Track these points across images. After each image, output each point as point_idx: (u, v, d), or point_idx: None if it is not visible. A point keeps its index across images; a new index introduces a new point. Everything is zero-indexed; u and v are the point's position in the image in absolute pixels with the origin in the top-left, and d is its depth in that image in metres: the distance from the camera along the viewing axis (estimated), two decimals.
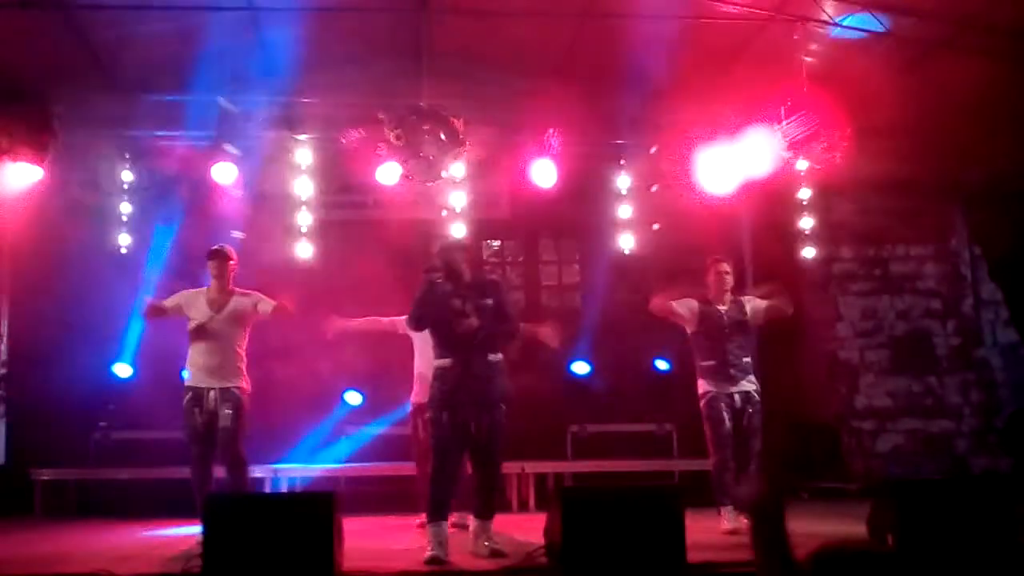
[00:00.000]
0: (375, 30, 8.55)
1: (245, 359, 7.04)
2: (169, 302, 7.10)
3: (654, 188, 9.60)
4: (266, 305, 7.03)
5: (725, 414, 7.15)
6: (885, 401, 9.94)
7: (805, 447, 9.54)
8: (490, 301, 6.16)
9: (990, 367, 10.18)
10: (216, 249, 7.10)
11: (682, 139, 8.80)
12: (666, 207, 9.62)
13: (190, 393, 6.95)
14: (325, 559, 5.22)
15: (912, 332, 10.08)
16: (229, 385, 6.91)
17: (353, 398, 9.80)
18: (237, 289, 7.09)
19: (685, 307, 7.33)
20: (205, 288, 7.10)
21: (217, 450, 6.88)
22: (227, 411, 6.84)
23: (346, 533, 5.57)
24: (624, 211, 9.68)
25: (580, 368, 10.10)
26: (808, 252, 9.75)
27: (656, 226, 9.76)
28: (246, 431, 6.98)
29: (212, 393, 6.88)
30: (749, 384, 7.26)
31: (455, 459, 6.18)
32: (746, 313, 7.38)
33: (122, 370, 9.45)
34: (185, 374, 7.08)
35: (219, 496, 5.77)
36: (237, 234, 8.50)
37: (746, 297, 7.57)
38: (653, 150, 9.31)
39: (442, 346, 6.23)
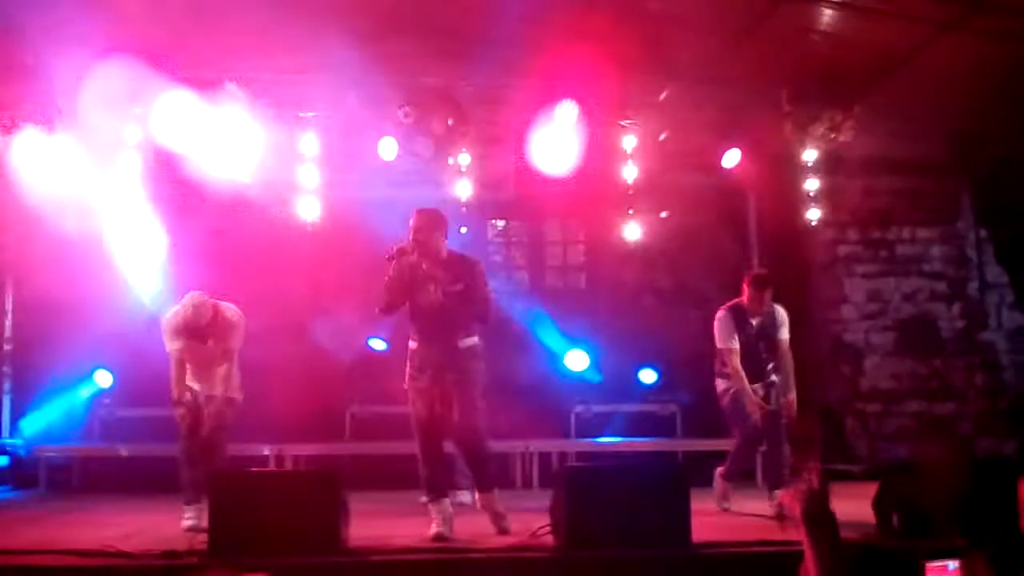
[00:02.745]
0: (381, 8, 8.50)
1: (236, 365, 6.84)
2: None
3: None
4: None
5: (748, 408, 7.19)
6: (890, 383, 9.92)
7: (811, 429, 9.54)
8: (460, 286, 6.02)
9: (995, 350, 10.16)
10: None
11: (689, 118, 8.77)
12: (673, 190, 9.58)
13: None
14: (331, 535, 5.24)
15: (917, 314, 10.05)
16: (216, 393, 6.70)
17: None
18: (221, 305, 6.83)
19: (728, 332, 7.27)
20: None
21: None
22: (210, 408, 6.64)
23: (352, 510, 5.59)
24: (630, 193, 9.60)
25: (579, 362, 10.12)
26: (814, 233, 9.72)
27: (664, 214, 9.71)
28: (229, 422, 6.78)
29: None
30: (772, 378, 7.33)
31: (432, 438, 6.14)
32: (776, 324, 7.41)
33: (102, 379, 9.47)
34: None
35: (225, 472, 5.77)
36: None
37: (780, 309, 7.46)
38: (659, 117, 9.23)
39: (413, 328, 6.21)
